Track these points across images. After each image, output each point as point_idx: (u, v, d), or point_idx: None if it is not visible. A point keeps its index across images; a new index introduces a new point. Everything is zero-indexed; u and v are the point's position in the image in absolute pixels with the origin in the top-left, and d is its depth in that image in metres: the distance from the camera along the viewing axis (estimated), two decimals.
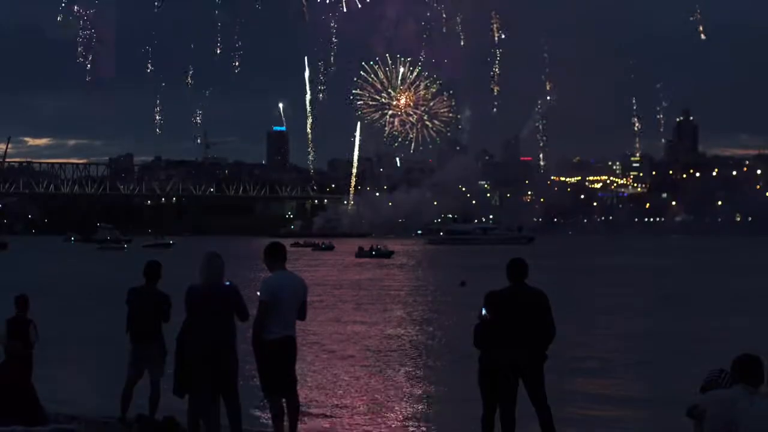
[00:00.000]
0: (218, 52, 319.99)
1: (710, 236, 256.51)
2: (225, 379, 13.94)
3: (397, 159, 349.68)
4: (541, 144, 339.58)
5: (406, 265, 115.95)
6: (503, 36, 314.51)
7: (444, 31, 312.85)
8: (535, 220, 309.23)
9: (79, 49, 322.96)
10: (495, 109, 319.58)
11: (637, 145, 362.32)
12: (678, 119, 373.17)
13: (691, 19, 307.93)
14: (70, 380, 25.88)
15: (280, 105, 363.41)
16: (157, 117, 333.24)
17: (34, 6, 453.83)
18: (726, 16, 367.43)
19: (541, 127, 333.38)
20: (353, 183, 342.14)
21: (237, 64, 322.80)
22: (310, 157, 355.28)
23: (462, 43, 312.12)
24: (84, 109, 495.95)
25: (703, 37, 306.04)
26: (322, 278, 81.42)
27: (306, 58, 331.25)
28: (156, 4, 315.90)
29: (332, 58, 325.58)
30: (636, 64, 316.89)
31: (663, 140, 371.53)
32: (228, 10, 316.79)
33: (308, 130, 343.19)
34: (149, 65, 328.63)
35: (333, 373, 27.49)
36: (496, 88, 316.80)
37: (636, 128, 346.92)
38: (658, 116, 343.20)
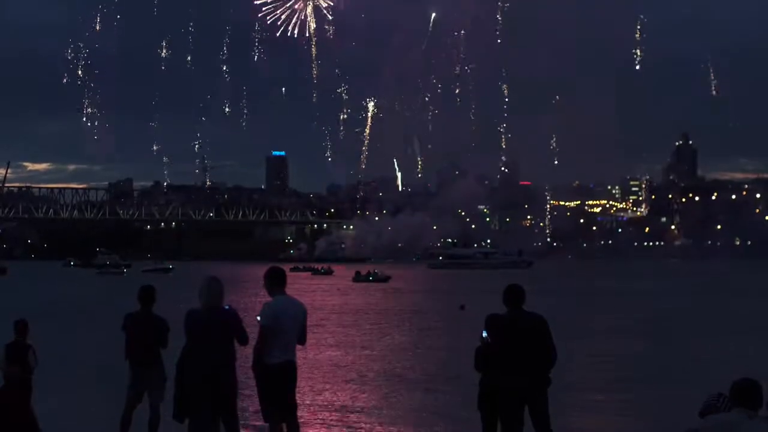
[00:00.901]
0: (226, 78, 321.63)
1: (710, 260, 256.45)
2: (224, 402, 13.94)
3: (398, 183, 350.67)
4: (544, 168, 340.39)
5: (403, 290, 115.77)
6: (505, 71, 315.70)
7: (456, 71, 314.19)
8: (535, 244, 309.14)
9: (80, 73, 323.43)
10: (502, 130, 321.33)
11: (637, 170, 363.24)
12: (677, 143, 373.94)
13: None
14: (69, 405, 25.83)
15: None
16: (156, 144, 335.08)
17: (36, 32, 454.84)
18: (725, 40, 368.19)
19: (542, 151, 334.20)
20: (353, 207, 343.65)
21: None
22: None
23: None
24: (84, 135, 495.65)
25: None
26: (320, 303, 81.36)
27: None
28: (163, 48, 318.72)
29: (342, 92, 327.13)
30: (635, 89, 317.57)
31: (662, 164, 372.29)
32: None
33: None
34: (154, 96, 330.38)
35: (333, 397, 27.47)
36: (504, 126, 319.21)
37: (635, 152, 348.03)
38: (657, 140, 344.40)
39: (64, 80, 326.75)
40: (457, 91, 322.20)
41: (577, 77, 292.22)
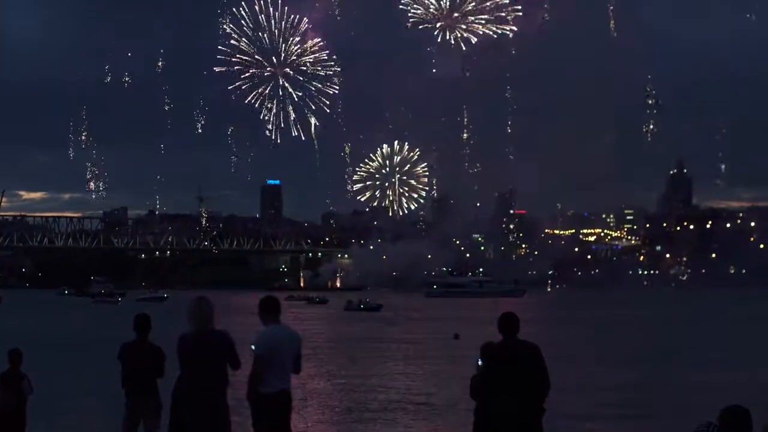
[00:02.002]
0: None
1: (704, 288, 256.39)
2: (217, 427, 13.92)
3: (391, 212, 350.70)
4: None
5: (396, 318, 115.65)
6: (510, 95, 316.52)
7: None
8: (529, 273, 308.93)
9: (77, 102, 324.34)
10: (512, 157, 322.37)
11: (632, 198, 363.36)
12: (671, 171, 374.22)
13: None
14: None
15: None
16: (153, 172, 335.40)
17: (32, 60, 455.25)
18: (720, 68, 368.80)
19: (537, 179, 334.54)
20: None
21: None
22: None
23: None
24: (79, 163, 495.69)
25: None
26: (314, 331, 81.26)
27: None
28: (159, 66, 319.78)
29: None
30: (630, 117, 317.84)
31: (657, 193, 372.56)
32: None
33: None
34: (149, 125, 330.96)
35: (327, 427, 27.46)
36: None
37: (630, 181, 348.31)
38: (651, 168, 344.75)
39: (61, 108, 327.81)
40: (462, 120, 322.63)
41: (576, 105, 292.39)
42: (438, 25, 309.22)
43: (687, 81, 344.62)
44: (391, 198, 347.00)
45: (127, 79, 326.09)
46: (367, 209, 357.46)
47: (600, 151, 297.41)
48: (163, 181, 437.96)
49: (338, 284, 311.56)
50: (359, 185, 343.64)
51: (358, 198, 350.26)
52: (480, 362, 14.71)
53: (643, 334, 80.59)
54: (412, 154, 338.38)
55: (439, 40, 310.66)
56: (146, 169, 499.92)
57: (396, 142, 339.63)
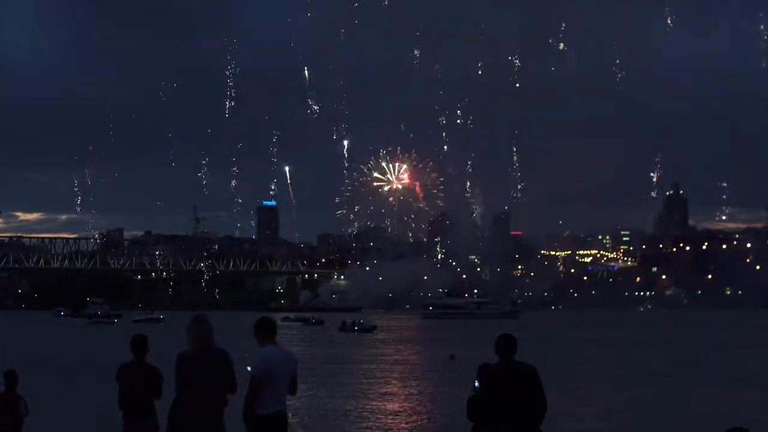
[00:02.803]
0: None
1: (700, 310, 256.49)
2: None
3: (387, 232, 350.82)
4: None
5: (391, 340, 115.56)
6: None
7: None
8: (526, 294, 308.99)
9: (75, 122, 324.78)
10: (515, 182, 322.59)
11: (628, 220, 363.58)
12: (668, 193, 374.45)
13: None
14: None
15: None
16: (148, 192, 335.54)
17: (30, 81, 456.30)
18: (717, 90, 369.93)
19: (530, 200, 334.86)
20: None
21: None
22: None
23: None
24: (75, 184, 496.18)
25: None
26: (308, 352, 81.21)
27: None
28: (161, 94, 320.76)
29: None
30: (626, 139, 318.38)
31: (653, 214, 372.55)
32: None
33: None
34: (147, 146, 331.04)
35: None
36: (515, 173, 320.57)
37: (626, 202, 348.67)
38: (648, 191, 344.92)
39: (58, 129, 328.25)
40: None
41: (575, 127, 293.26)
42: None
43: (684, 103, 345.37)
44: (388, 220, 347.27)
45: (132, 101, 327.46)
46: (363, 228, 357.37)
47: (597, 173, 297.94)
48: (159, 203, 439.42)
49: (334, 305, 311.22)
50: (356, 206, 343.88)
51: (354, 218, 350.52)
52: (476, 384, 14.68)
53: (636, 354, 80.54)
54: (409, 174, 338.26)
55: None
56: (143, 190, 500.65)
57: (397, 165, 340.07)
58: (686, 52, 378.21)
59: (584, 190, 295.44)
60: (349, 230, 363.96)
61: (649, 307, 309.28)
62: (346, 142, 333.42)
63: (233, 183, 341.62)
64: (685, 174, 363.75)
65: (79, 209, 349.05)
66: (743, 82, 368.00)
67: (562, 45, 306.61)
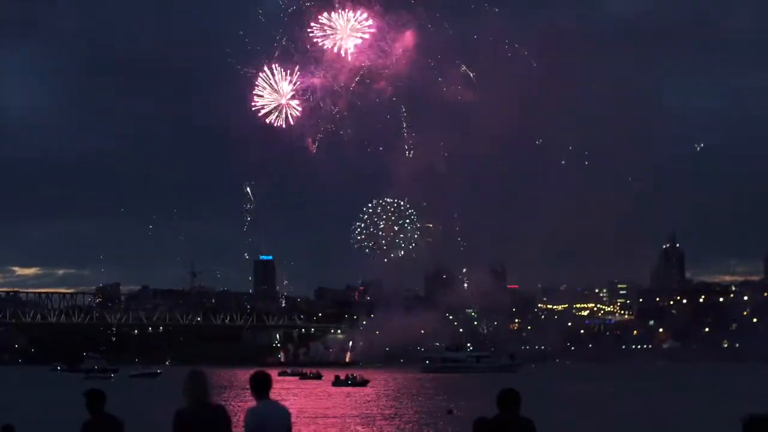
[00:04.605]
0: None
1: (697, 363, 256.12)
2: None
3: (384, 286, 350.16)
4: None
5: (389, 393, 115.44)
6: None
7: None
8: (523, 347, 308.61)
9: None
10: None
11: (625, 273, 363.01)
12: (664, 246, 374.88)
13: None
14: None
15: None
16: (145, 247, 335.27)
17: (31, 133, 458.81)
18: (713, 139, 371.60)
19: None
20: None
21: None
22: None
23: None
24: (72, 239, 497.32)
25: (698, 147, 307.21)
26: (307, 407, 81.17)
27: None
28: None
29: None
30: (623, 193, 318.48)
31: (649, 267, 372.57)
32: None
33: None
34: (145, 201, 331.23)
35: None
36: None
37: (623, 256, 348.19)
38: (644, 243, 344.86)
39: (55, 184, 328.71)
40: None
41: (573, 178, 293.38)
42: None
43: (681, 153, 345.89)
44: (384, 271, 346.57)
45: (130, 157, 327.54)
46: (361, 287, 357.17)
47: (594, 226, 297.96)
48: (155, 257, 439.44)
49: (330, 359, 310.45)
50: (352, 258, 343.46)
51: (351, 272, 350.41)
52: None
53: (634, 408, 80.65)
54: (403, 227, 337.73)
55: None
56: (139, 244, 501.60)
57: (392, 217, 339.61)
58: (682, 102, 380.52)
59: (581, 243, 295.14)
60: (346, 284, 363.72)
61: (645, 360, 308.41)
62: None
63: (230, 237, 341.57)
64: (681, 226, 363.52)
65: (76, 264, 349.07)
66: (738, 133, 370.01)
67: None
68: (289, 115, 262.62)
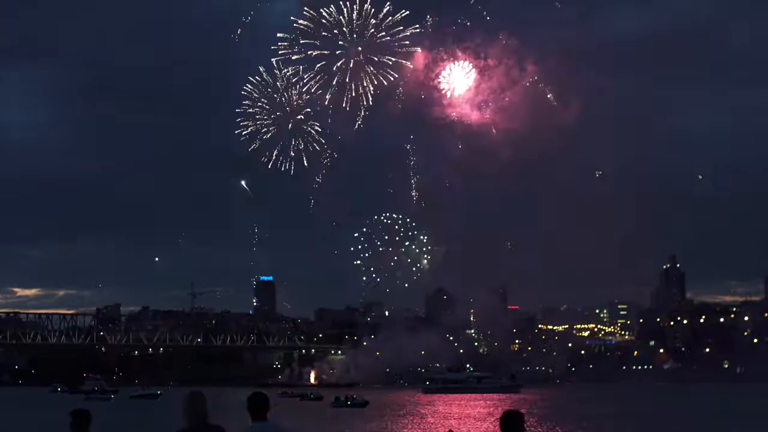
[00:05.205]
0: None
1: (698, 383, 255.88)
2: None
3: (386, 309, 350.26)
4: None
5: (392, 414, 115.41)
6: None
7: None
8: (523, 368, 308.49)
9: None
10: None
11: (625, 294, 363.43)
12: (665, 266, 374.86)
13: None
14: None
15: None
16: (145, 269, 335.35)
17: (28, 159, 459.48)
18: (714, 164, 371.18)
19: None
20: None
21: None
22: None
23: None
24: (73, 260, 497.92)
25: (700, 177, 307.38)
26: (306, 427, 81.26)
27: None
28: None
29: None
30: (622, 213, 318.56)
31: (650, 288, 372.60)
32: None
33: None
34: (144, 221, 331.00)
35: None
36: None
37: (623, 276, 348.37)
38: (644, 264, 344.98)
39: (56, 206, 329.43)
40: None
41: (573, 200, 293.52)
42: None
43: (682, 175, 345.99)
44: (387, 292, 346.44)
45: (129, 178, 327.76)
46: (361, 308, 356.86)
47: (595, 247, 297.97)
48: (156, 278, 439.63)
49: (327, 379, 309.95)
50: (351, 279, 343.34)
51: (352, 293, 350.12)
52: None
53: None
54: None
55: None
56: (140, 265, 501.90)
57: (395, 238, 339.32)
58: (683, 125, 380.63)
59: (581, 264, 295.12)
60: (347, 305, 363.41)
61: (644, 380, 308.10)
62: None
63: (231, 258, 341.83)
64: (682, 247, 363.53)
65: (76, 285, 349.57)
66: (740, 154, 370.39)
67: None
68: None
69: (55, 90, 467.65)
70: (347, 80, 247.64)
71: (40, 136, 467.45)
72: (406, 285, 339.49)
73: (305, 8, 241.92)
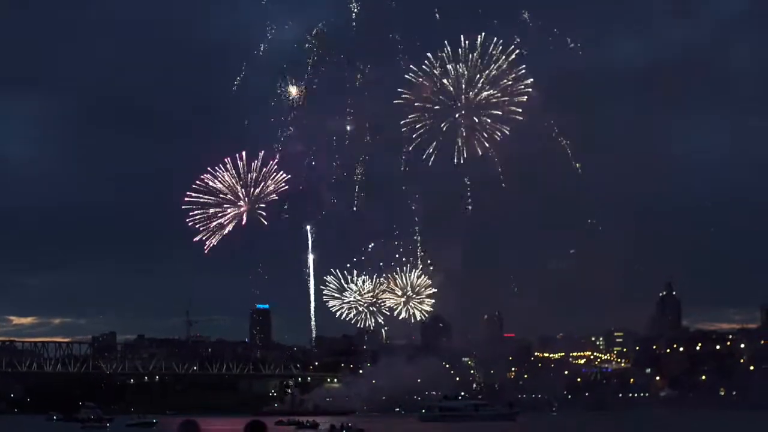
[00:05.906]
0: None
1: (694, 411, 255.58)
2: None
3: (383, 334, 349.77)
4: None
5: None
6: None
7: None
8: (519, 396, 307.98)
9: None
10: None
11: (622, 321, 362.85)
12: (661, 294, 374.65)
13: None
14: None
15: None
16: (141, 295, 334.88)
17: (24, 188, 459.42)
18: (710, 192, 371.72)
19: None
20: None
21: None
22: None
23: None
24: (69, 288, 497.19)
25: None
26: None
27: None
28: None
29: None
30: (619, 240, 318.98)
31: (646, 315, 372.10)
32: None
33: None
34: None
35: None
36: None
37: (619, 303, 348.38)
38: (641, 291, 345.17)
39: (51, 234, 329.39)
40: None
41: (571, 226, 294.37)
42: None
43: (678, 202, 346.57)
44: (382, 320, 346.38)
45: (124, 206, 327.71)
46: (357, 335, 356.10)
47: (590, 275, 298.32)
48: (151, 306, 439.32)
49: (324, 407, 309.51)
50: (347, 308, 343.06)
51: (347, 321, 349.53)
52: None
53: None
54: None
55: None
56: (135, 293, 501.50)
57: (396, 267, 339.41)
58: (682, 152, 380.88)
59: (578, 291, 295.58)
60: (343, 333, 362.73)
61: (641, 409, 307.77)
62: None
63: (227, 287, 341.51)
64: (678, 274, 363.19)
65: (72, 313, 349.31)
66: (737, 178, 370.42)
67: None
68: None
69: (54, 120, 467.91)
70: None
71: (38, 166, 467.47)
72: (404, 313, 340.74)
73: None
